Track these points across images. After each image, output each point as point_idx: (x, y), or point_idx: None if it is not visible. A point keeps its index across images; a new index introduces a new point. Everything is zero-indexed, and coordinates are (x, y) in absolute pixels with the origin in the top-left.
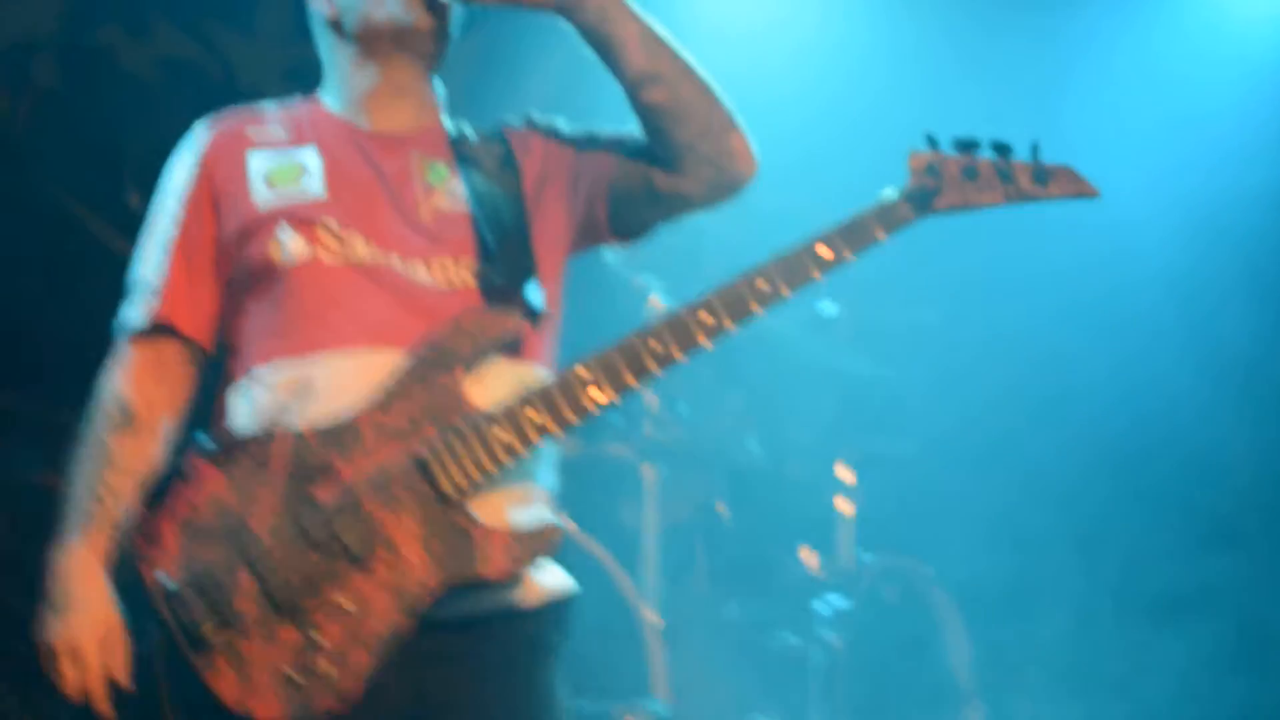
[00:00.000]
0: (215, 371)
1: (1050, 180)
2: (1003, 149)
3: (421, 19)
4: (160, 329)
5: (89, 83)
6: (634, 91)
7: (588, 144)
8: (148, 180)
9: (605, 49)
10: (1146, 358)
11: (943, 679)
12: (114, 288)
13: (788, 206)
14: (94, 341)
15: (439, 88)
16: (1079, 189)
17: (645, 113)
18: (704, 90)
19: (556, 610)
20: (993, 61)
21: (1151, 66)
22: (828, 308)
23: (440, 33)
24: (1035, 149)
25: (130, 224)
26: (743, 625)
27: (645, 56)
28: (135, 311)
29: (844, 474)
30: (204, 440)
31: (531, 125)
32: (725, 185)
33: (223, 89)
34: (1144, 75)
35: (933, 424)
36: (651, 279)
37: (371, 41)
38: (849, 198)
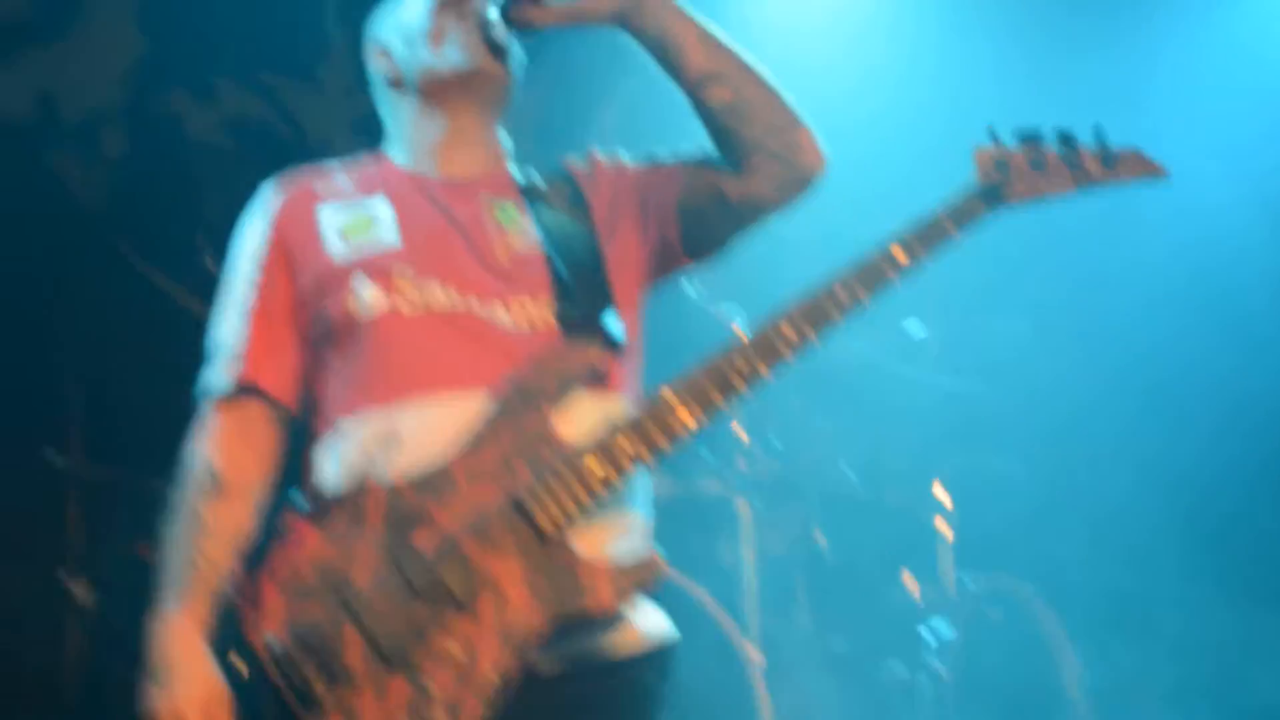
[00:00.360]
0: (301, 432)
1: (1118, 163)
2: (1067, 137)
3: (485, 62)
4: (245, 391)
5: (159, 149)
6: (697, 92)
7: (652, 168)
8: (224, 243)
9: (665, 52)
10: (1241, 346)
11: (1057, 699)
12: (199, 353)
13: (870, 233)
14: (182, 408)
15: (504, 137)
16: (1147, 169)
17: (710, 114)
18: (766, 87)
19: (659, 657)
20: (1072, 52)
21: (1234, 49)
22: (916, 327)
23: (505, 73)
24: (1099, 133)
25: (210, 289)
26: (848, 657)
27: (705, 56)
28: (218, 376)
29: (942, 495)
30: (298, 499)
31: (594, 160)
32: (795, 181)
33: (292, 145)
34: (1226, 58)
35: (1032, 436)
36: (733, 308)
37: (437, 92)
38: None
